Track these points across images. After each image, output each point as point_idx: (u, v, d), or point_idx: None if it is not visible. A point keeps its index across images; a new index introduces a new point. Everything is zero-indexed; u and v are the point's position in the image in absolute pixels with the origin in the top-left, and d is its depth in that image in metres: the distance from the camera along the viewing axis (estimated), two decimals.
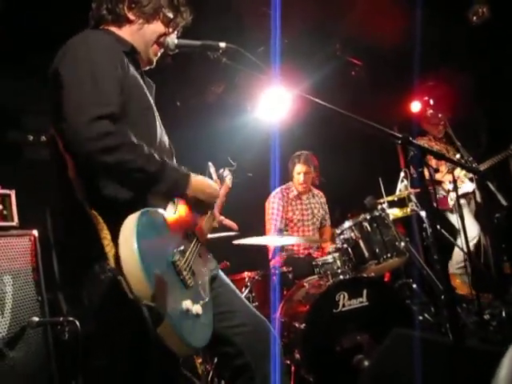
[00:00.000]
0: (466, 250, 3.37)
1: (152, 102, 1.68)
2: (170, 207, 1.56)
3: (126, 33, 1.69)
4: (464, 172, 4.34)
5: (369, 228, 3.16)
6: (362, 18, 4.64)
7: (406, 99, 5.41)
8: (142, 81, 1.67)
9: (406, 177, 3.62)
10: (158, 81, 1.86)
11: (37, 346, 2.45)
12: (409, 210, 3.65)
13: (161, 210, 1.51)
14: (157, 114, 1.70)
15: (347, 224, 3.24)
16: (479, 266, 4.27)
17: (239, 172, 2.40)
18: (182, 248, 1.51)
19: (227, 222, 1.98)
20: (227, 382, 2.88)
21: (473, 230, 4.49)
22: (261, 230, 4.08)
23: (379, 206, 3.21)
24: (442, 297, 3.27)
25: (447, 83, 5.54)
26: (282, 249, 3.89)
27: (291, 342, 2.82)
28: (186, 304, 1.40)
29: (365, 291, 2.83)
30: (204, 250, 1.71)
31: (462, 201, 4.45)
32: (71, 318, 2.45)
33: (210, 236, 1.81)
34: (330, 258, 3.25)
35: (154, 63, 1.78)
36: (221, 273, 1.79)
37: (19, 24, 3.59)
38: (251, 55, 1.68)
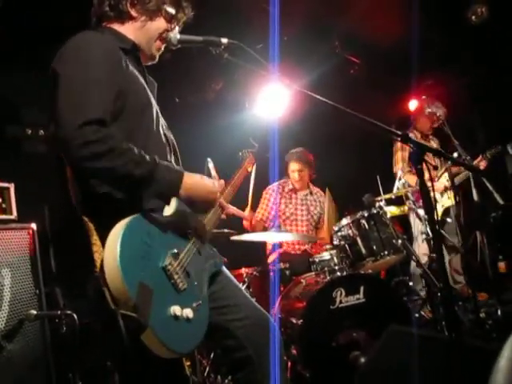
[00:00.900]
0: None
1: (152, 99, 1.68)
2: (167, 208, 1.54)
3: (128, 30, 1.69)
4: (447, 183, 4.32)
5: (366, 225, 3.17)
6: (361, 16, 4.64)
7: (404, 98, 5.43)
8: (142, 79, 1.68)
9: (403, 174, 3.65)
10: (157, 77, 1.86)
11: (34, 339, 2.45)
12: (406, 208, 3.67)
13: (155, 214, 1.49)
14: (158, 110, 1.70)
15: (345, 221, 3.26)
16: (475, 265, 4.29)
17: (259, 154, 2.38)
18: (175, 251, 1.49)
19: (235, 210, 1.97)
20: (223, 378, 2.91)
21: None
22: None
23: (377, 204, 3.22)
24: (439, 294, 3.29)
25: (445, 82, 5.57)
26: (281, 245, 3.90)
27: (288, 338, 2.83)
28: (175, 310, 1.39)
29: (362, 288, 2.84)
30: (205, 246, 1.71)
31: (449, 219, 4.44)
32: (69, 312, 2.46)
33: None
34: (327, 255, 3.26)
35: (157, 59, 1.78)
36: (225, 269, 1.79)
37: (18, 18, 3.58)
38: (252, 51, 1.68)
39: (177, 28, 1.78)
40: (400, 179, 3.71)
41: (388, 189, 3.70)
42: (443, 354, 1.79)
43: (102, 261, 1.32)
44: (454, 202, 4.31)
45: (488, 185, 3.62)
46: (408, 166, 4.51)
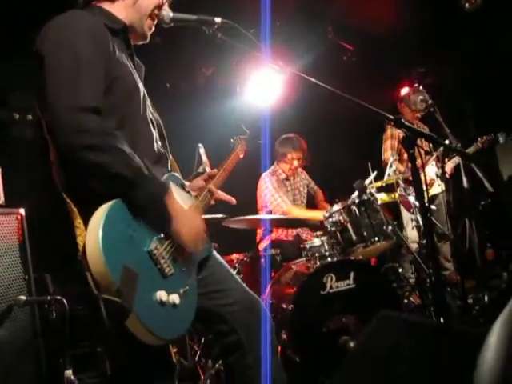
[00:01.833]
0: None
1: (139, 83, 1.65)
2: None
3: (119, 8, 1.65)
4: (437, 173, 4.32)
5: (357, 212, 3.18)
6: (353, 1, 4.61)
7: (396, 85, 5.43)
8: (131, 62, 1.64)
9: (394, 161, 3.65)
10: (148, 62, 1.83)
11: (24, 325, 2.44)
12: (397, 195, 3.68)
13: None
14: (145, 94, 1.67)
15: (335, 207, 3.26)
16: (463, 252, 4.33)
17: (251, 140, 2.36)
18: (161, 235, 1.46)
19: (224, 196, 1.94)
20: (214, 362, 2.92)
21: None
22: (251, 212, 4.07)
23: (368, 190, 3.23)
24: (428, 280, 3.32)
25: (437, 69, 5.57)
26: (271, 231, 3.90)
27: (278, 323, 2.84)
28: (160, 295, 1.37)
29: (352, 274, 2.86)
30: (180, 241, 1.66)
31: (433, 207, 4.45)
32: (59, 297, 2.45)
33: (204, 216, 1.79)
34: (317, 241, 3.27)
35: (148, 38, 1.75)
36: (215, 253, 1.78)
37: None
38: (246, 32, 1.66)
39: (167, 7, 1.74)
40: (391, 166, 3.72)
41: (379, 176, 3.70)
42: (432, 339, 1.80)
43: (84, 244, 1.29)
44: (443, 189, 4.34)
45: (478, 172, 3.64)
46: (396, 154, 4.52)
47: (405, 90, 5.05)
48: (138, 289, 1.29)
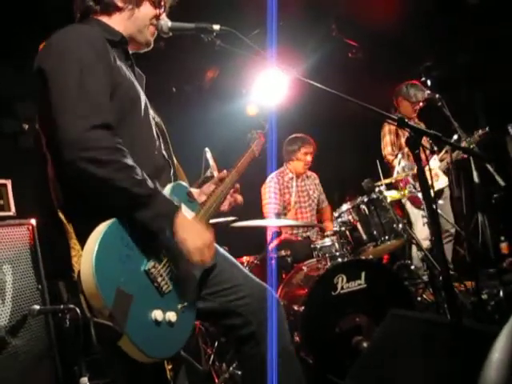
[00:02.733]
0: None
1: (141, 93, 1.65)
2: None
3: (116, 21, 1.65)
4: (440, 166, 4.28)
5: (366, 210, 3.16)
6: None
7: (403, 80, 5.38)
8: (131, 73, 1.65)
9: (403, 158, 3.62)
10: (152, 67, 1.84)
11: (38, 334, 2.47)
12: (406, 192, 3.65)
13: None
14: (147, 103, 1.68)
15: (345, 207, 3.25)
16: (476, 246, 4.29)
17: (269, 135, 2.21)
18: (162, 251, 1.46)
19: (235, 198, 1.90)
20: (228, 365, 2.93)
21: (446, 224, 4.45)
22: (258, 214, 4.08)
23: (377, 189, 3.21)
24: (440, 278, 3.29)
25: (445, 64, 5.51)
26: (280, 233, 3.90)
27: (290, 325, 2.83)
28: (155, 315, 1.36)
29: (363, 273, 2.84)
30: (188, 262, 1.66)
31: (440, 201, 4.40)
32: (72, 306, 2.47)
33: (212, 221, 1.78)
34: (328, 241, 3.25)
35: (152, 45, 1.75)
36: (220, 249, 1.77)
37: (13, 10, 3.54)
38: (246, 38, 1.66)
39: (165, 16, 1.75)
40: (400, 163, 3.69)
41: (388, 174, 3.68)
42: (445, 338, 1.79)
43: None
44: (447, 183, 4.28)
45: (489, 167, 3.59)
46: (397, 148, 4.48)
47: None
48: (131, 310, 1.29)
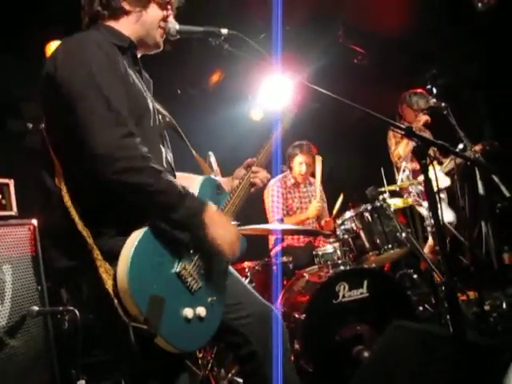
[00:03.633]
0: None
1: (149, 100, 1.65)
2: None
3: (124, 25, 1.64)
4: (441, 167, 4.25)
5: (370, 218, 3.14)
6: (365, 5, 4.57)
7: (409, 87, 5.36)
8: (140, 78, 1.65)
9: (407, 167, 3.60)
10: (158, 69, 1.83)
11: (37, 335, 2.46)
12: (410, 200, 3.63)
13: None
14: (155, 110, 1.67)
15: (348, 214, 3.22)
16: (480, 256, 4.26)
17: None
18: (191, 251, 1.53)
19: (263, 173, 1.92)
20: (227, 371, 2.91)
21: (450, 215, 4.46)
22: (262, 219, 4.06)
23: (380, 197, 3.19)
24: (443, 288, 3.26)
25: (450, 72, 5.49)
26: (283, 239, 3.88)
27: (291, 333, 2.81)
28: (186, 313, 1.45)
29: (365, 282, 2.82)
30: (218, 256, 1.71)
31: (442, 195, 4.39)
32: (71, 308, 2.46)
33: None
34: (330, 248, 3.23)
35: (162, 46, 1.74)
36: None
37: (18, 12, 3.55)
38: (253, 42, 1.65)
39: (173, 18, 1.74)
40: (404, 171, 3.67)
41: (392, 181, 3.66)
42: (446, 350, 1.77)
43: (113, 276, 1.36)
44: (448, 184, 4.25)
45: (494, 178, 3.56)
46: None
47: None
48: (164, 313, 1.39)
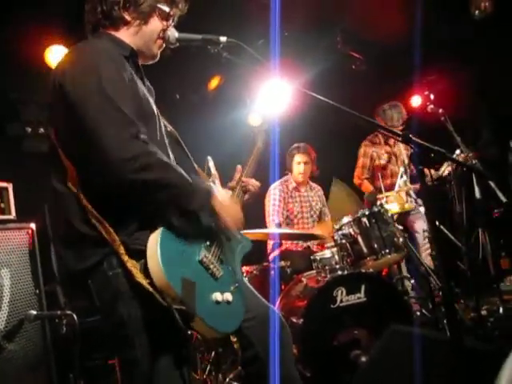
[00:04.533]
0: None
1: (154, 106, 1.68)
2: None
3: (124, 35, 1.66)
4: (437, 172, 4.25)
5: (367, 223, 3.15)
6: (363, 10, 4.60)
7: (407, 93, 5.39)
8: (144, 86, 1.67)
9: (405, 172, 3.61)
10: (158, 74, 1.84)
11: (35, 339, 2.46)
12: (407, 205, 3.64)
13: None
14: (159, 116, 1.70)
15: (346, 219, 3.23)
16: (477, 261, 4.27)
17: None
18: (207, 243, 1.63)
19: (253, 183, 2.04)
20: (224, 375, 2.91)
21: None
22: (261, 223, 4.07)
23: (378, 202, 3.20)
24: (440, 293, 3.27)
25: (448, 77, 5.52)
26: (280, 244, 3.89)
27: None
28: (216, 296, 1.56)
29: (363, 287, 2.83)
30: (232, 234, 1.79)
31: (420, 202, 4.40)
32: (69, 312, 2.46)
33: None
34: (328, 253, 3.24)
35: (158, 57, 1.76)
36: None
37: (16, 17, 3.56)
38: (251, 48, 1.67)
39: (173, 27, 1.76)
40: (402, 176, 3.68)
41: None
42: (443, 355, 1.78)
43: (144, 268, 1.44)
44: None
45: (491, 183, 3.58)
46: (369, 172, 4.54)
47: (417, 99, 5.03)
48: (197, 295, 1.49)
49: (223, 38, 1.67)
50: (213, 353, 3.07)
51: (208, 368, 3.04)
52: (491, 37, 4.96)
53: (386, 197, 3.62)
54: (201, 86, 5.04)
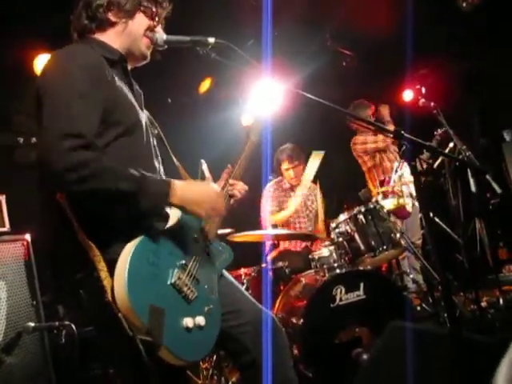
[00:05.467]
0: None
1: (141, 112, 1.66)
2: (171, 217, 1.53)
3: (111, 36, 1.67)
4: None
5: (364, 220, 3.14)
6: (352, 6, 4.60)
7: (398, 88, 5.40)
8: (130, 91, 1.66)
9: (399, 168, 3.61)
10: (148, 78, 1.83)
11: (34, 351, 2.44)
12: (401, 200, 3.64)
13: (158, 228, 1.50)
14: (147, 122, 1.69)
15: (342, 217, 3.22)
16: (475, 253, 4.28)
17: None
18: (182, 262, 1.54)
19: (241, 187, 1.95)
20: (227, 379, 2.90)
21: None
22: (255, 225, 4.05)
23: (373, 198, 3.19)
24: (439, 287, 3.27)
25: (440, 71, 5.53)
26: (277, 245, 3.87)
27: (289, 338, 2.80)
28: (187, 322, 1.46)
29: (362, 284, 2.82)
30: (213, 245, 1.75)
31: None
32: (67, 322, 2.44)
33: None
34: (326, 252, 3.23)
35: (149, 57, 1.75)
36: (225, 273, 1.81)
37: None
38: (241, 48, 1.66)
39: (161, 28, 1.75)
40: (396, 171, 3.68)
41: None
42: (445, 349, 1.77)
43: (111, 289, 1.36)
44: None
45: (487, 176, 3.58)
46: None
47: (408, 94, 5.03)
48: (165, 323, 1.40)
49: (211, 39, 1.66)
50: (215, 356, 3.07)
51: (210, 372, 3.03)
52: (481, 30, 4.98)
53: (383, 192, 3.62)
54: (192, 88, 5.03)
